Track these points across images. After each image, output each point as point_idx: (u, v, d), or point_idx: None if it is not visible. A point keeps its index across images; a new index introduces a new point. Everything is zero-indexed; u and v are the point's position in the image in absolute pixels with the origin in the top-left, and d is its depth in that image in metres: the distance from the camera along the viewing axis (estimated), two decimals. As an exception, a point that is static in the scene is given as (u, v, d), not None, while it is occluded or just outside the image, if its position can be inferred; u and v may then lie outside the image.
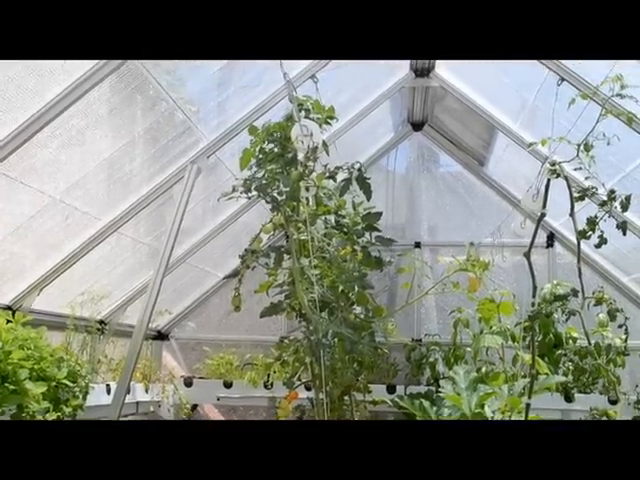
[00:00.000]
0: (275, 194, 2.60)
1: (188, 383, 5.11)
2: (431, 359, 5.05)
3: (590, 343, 4.09)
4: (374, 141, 5.68)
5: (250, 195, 2.60)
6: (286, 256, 3.00)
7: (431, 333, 5.38)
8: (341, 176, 3.49)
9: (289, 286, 2.85)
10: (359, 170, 3.51)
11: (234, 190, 2.60)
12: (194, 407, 5.48)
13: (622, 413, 4.31)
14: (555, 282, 4.77)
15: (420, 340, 5.35)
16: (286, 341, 3.30)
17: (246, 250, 2.74)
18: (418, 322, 5.56)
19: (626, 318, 4.40)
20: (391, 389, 4.93)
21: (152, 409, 4.77)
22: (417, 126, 5.65)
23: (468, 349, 4.82)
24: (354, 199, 3.72)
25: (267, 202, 2.64)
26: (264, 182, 2.54)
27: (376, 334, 3.81)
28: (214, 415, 5.64)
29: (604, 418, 3.88)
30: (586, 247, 5.40)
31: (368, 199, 3.54)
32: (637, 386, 4.60)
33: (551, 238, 5.48)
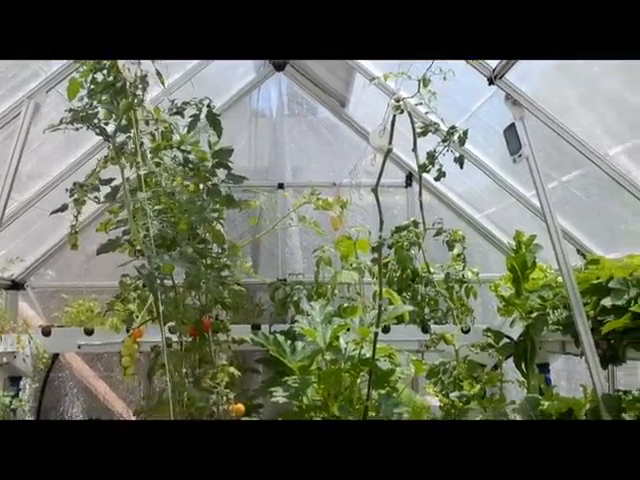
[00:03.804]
0: (103, 125, 2.51)
1: (46, 332, 4.91)
2: (295, 298, 5.14)
3: (430, 272, 4.30)
4: (235, 81, 5.58)
5: (77, 127, 2.49)
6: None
7: (295, 272, 5.47)
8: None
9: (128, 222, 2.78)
10: (208, 106, 3.46)
11: (61, 122, 2.48)
12: (55, 357, 5.33)
13: (471, 339, 4.61)
14: (412, 219, 4.97)
15: (285, 280, 5.43)
16: (127, 279, 3.24)
17: (74, 184, 2.64)
18: (283, 262, 5.63)
19: (464, 248, 4.66)
20: (256, 328, 4.97)
21: (6, 360, 4.57)
22: (279, 66, 5.59)
23: (330, 286, 4.94)
24: (210, 138, 3.67)
25: (97, 134, 2.55)
26: (90, 112, 2.44)
27: (234, 272, 3.84)
28: (77, 364, 5.50)
29: (442, 341, 4.12)
30: (443, 187, 5.65)
31: (219, 136, 3.50)
32: (473, 311, 4.91)
33: (409, 178, 5.67)
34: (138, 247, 2.83)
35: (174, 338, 3.99)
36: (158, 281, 2.43)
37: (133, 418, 4.69)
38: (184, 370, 3.46)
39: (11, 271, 5.14)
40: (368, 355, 3.67)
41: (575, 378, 5.43)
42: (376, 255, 3.53)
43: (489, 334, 4.65)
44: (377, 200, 3.49)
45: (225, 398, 3.62)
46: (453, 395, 3.77)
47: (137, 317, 3.40)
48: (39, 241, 5.30)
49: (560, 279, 4.32)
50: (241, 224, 5.42)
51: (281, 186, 5.59)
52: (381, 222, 3.45)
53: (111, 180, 2.78)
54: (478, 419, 3.68)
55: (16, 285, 5.35)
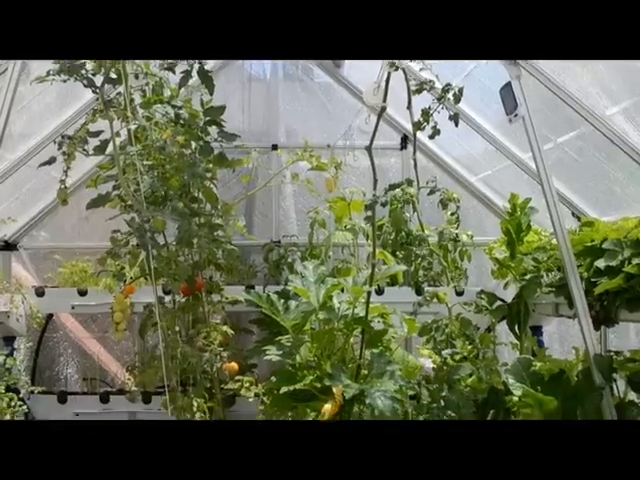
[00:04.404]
0: (90, 76, 2.46)
1: (40, 293, 4.90)
2: (289, 259, 5.13)
3: (423, 230, 4.27)
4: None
5: (65, 78, 2.44)
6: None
7: (289, 234, 5.45)
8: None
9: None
10: (200, 63, 3.40)
11: (48, 74, 2.44)
12: (49, 317, 5.33)
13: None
14: (406, 178, 4.93)
15: (279, 241, 5.41)
16: (118, 234, 3.21)
17: (62, 136, 2.61)
18: (277, 224, 5.60)
19: (457, 207, 4.63)
20: (250, 289, 4.97)
21: (-1, 320, 4.57)
22: (274, 25, 5.49)
23: (324, 248, 4.93)
24: (202, 96, 3.63)
25: (85, 85, 2.50)
26: (77, 63, 2.39)
27: (227, 231, 3.83)
28: (71, 324, 5.51)
29: (434, 300, 4.12)
30: (439, 150, 5.61)
31: (211, 93, 3.46)
32: (466, 271, 4.91)
33: (405, 140, 5.62)
34: (129, 202, 2.81)
35: (168, 298, 4.00)
36: (149, 235, 2.40)
37: (127, 376, 4.71)
38: (177, 329, 3.46)
39: (3, 232, 5.11)
40: (361, 315, 3.68)
41: (568, 341, 5.45)
42: (370, 213, 3.51)
43: (483, 296, 4.66)
44: (371, 159, 3.47)
45: (218, 357, 3.64)
46: (445, 352, 3.78)
47: (129, 274, 3.38)
48: (32, 201, 5.26)
49: (554, 241, 4.32)
50: (235, 186, 5.39)
51: (275, 147, 5.53)
52: (375, 181, 3.43)
53: (100, 132, 2.74)
54: (469, 373, 3.68)
55: (9, 246, 5.33)
